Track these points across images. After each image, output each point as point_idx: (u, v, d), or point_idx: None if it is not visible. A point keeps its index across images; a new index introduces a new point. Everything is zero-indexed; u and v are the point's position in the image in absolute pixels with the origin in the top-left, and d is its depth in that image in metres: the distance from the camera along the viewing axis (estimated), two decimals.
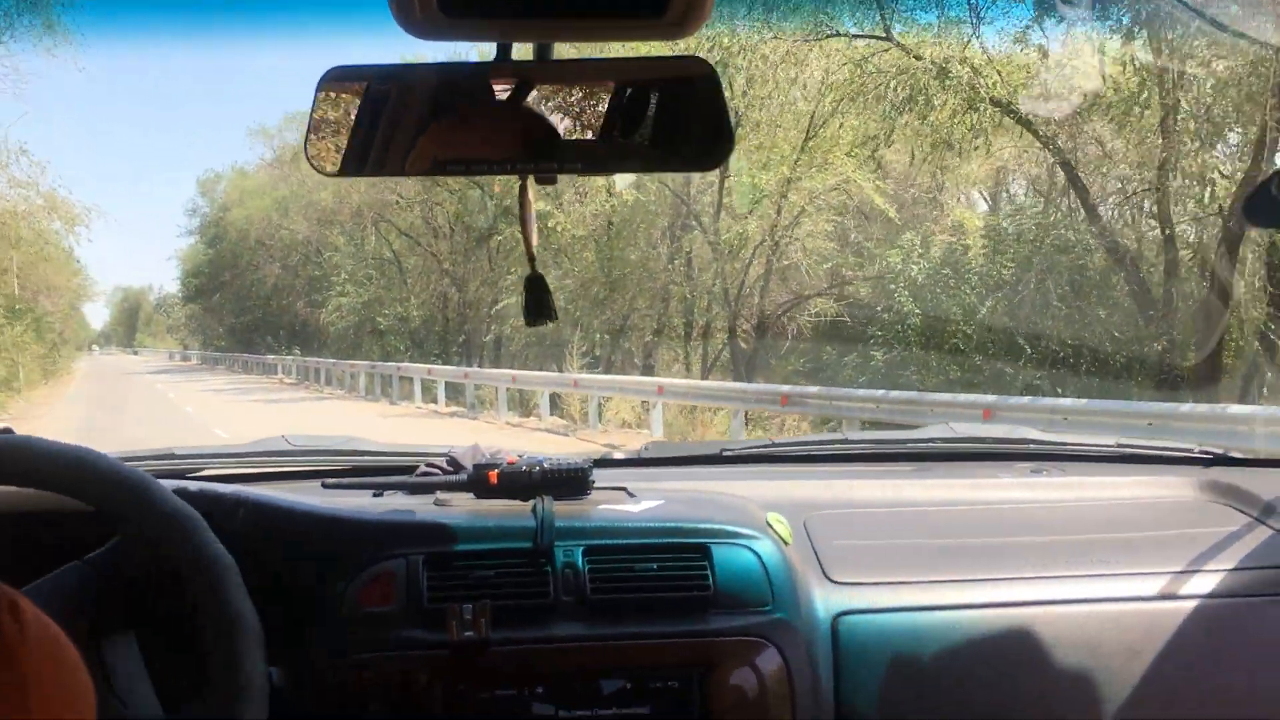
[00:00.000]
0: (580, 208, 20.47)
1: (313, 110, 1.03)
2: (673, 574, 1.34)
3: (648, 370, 19.20)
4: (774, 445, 1.99)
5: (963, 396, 9.93)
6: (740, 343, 18.13)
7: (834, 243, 18.57)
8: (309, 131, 1.04)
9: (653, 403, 13.49)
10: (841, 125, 15.76)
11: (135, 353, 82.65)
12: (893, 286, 14.46)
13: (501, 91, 1.04)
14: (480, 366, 22.48)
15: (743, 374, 17.68)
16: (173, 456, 1.74)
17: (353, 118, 1.04)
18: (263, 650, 1.10)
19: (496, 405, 17.48)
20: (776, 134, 17.42)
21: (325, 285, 29.16)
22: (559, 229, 19.73)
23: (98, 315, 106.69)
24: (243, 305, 40.23)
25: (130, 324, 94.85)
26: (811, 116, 16.44)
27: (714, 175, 18.50)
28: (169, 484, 1.18)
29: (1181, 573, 1.44)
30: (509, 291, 22.27)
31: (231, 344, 43.92)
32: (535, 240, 1.18)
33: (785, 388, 12.19)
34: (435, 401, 20.08)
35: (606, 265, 19.43)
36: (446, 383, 19.96)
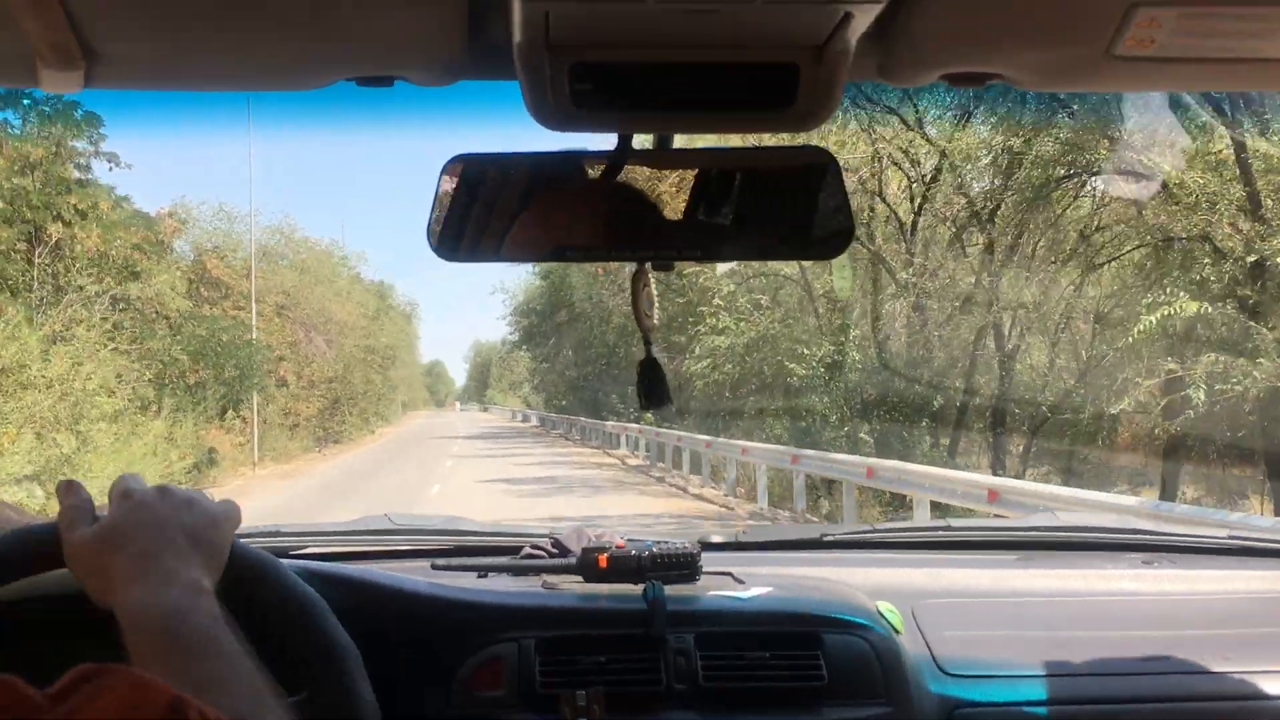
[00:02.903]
0: None
1: (436, 193, 1.06)
2: (785, 663, 1.35)
3: None
4: (875, 531, 2.02)
5: None
6: None
7: None
8: (432, 214, 1.07)
9: None
10: None
11: (485, 409, 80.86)
12: None
13: (623, 178, 1.06)
14: (999, 468, 11.43)
15: None
16: (279, 534, 1.74)
17: (477, 202, 1.08)
18: None
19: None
20: None
21: (691, 319, 19.01)
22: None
23: (460, 371, 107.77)
24: (584, 355, 32.39)
25: (482, 379, 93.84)
26: None
27: None
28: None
29: None
30: (1043, 306, 11.17)
31: (573, 403, 36.72)
32: (653, 326, 1.14)
33: None
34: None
35: None
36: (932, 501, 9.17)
